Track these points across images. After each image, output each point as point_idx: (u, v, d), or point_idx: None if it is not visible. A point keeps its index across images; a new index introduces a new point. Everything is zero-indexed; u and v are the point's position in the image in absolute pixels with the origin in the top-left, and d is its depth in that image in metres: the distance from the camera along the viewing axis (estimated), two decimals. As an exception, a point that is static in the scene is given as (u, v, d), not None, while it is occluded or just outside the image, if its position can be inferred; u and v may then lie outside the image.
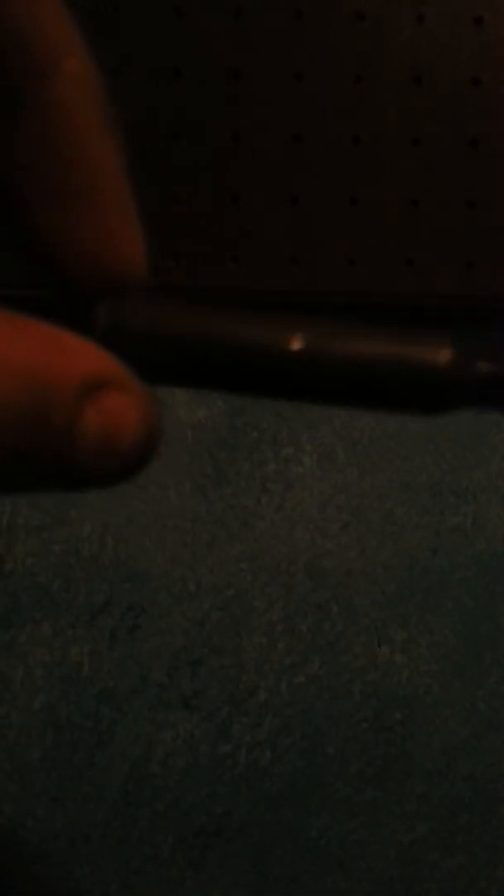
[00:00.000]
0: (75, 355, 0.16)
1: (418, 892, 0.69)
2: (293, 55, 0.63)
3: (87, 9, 0.64)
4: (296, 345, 0.18)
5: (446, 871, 0.69)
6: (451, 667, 0.69)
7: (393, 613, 0.69)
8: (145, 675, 0.69)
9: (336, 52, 0.63)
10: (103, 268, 0.20)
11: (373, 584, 0.69)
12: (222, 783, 0.69)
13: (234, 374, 0.18)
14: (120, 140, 0.20)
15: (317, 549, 0.69)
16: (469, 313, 0.68)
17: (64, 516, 0.69)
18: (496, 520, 0.69)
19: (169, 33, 0.64)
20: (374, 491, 0.69)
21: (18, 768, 0.69)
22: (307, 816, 0.69)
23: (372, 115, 0.63)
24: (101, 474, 0.17)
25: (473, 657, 0.69)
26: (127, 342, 0.18)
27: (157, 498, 0.70)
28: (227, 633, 0.69)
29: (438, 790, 0.69)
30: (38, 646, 0.69)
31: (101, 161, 0.20)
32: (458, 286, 0.65)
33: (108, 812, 0.69)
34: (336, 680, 0.69)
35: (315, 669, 0.69)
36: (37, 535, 0.69)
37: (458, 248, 0.65)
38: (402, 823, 0.69)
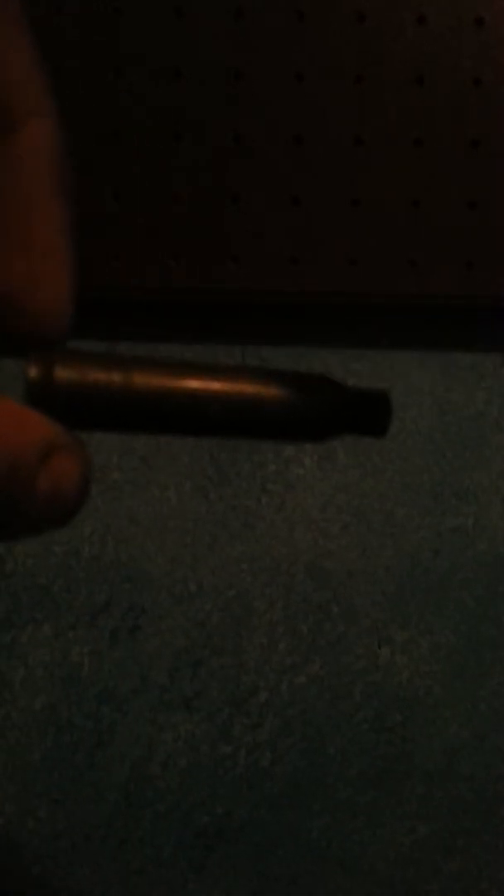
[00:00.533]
0: (35, 427, 0.20)
1: (419, 893, 0.69)
2: (294, 55, 0.63)
3: (88, 9, 0.64)
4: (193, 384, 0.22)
5: (447, 873, 0.69)
6: (451, 668, 0.69)
7: (394, 614, 0.69)
8: (146, 676, 0.69)
9: (337, 52, 0.63)
10: (30, 313, 0.22)
11: (374, 585, 0.69)
12: (223, 784, 0.69)
13: (145, 420, 0.22)
14: (70, 198, 0.22)
15: (317, 550, 0.69)
16: (469, 313, 0.67)
17: (64, 517, 0.69)
18: (497, 521, 0.69)
19: (169, 34, 0.63)
20: (374, 492, 0.69)
21: (19, 769, 0.69)
22: (308, 817, 0.69)
23: (373, 115, 0.63)
24: (50, 521, 0.21)
25: (474, 658, 0.69)
26: (53, 395, 0.21)
27: (157, 499, 0.70)
28: (227, 634, 0.69)
29: (439, 791, 0.69)
30: (38, 646, 0.69)
31: (45, 218, 0.21)
32: (458, 286, 0.65)
33: (108, 813, 0.69)
34: (337, 681, 0.69)
35: (316, 670, 0.69)
36: (37, 536, 0.69)
37: (459, 248, 0.64)
38: (402, 824, 0.69)
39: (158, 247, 0.65)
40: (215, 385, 0.22)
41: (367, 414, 0.24)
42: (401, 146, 0.63)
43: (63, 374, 0.21)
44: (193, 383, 0.22)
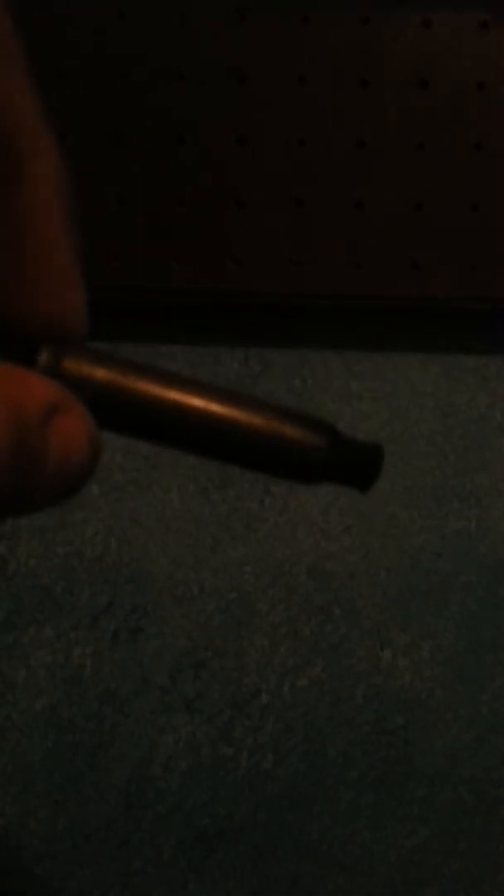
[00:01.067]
0: (35, 387, 0.20)
1: (420, 895, 0.69)
2: (297, 58, 0.63)
3: (92, 11, 0.64)
4: (213, 407, 0.22)
5: (448, 875, 0.69)
6: (453, 670, 0.69)
7: (395, 616, 0.69)
8: (147, 678, 0.69)
9: (341, 55, 0.63)
10: (49, 329, 0.22)
11: (375, 587, 0.69)
12: (224, 786, 0.69)
13: (151, 429, 0.22)
14: (76, 231, 0.22)
15: (320, 552, 0.69)
16: (471, 316, 0.67)
17: (67, 518, 0.69)
18: (500, 523, 0.69)
19: (172, 36, 0.64)
20: (377, 494, 0.69)
21: (20, 770, 0.69)
22: (309, 819, 0.69)
23: (376, 118, 0.63)
24: (56, 491, 0.20)
25: (476, 661, 0.69)
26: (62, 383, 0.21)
27: (160, 500, 0.70)
28: (229, 636, 0.69)
29: (440, 794, 0.69)
30: (40, 648, 0.69)
31: (56, 253, 0.22)
32: (461, 288, 0.65)
33: (109, 814, 0.69)
34: (338, 683, 0.69)
35: (317, 672, 0.69)
36: (40, 537, 0.70)
37: (462, 250, 0.64)
38: (403, 827, 0.69)
39: (160, 248, 0.65)
40: (236, 413, 0.22)
41: (359, 468, 0.24)
42: (404, 149, 0.63)
43: (71, 365, 0.22)
44: (198, 402, 0.22)
